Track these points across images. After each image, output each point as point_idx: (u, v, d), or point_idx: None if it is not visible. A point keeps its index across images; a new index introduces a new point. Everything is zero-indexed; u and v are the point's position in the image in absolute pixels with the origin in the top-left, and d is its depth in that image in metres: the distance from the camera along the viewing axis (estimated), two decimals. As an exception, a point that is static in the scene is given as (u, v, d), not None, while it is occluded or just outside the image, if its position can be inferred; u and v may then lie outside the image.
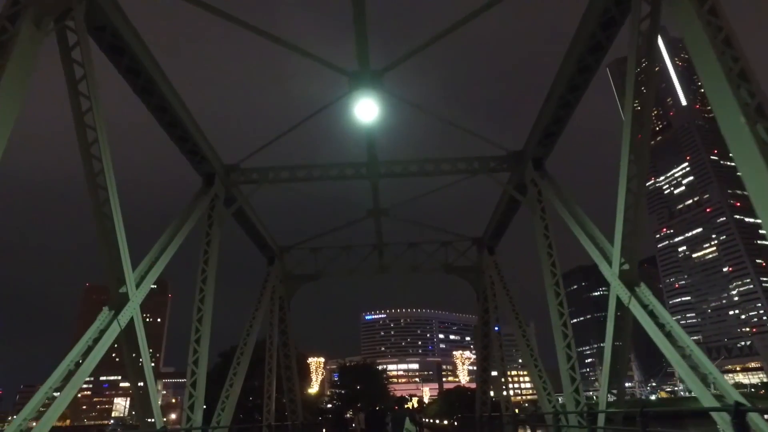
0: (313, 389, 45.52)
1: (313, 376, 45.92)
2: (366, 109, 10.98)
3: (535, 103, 15.16)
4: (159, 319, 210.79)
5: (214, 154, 15.07)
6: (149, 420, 10.89)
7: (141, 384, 10.34)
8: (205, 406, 13.54)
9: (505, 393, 20.62)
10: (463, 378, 59.57)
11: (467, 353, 61.08)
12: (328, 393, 55.14)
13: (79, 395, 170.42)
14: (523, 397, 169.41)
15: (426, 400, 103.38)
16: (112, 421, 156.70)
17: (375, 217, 19.50)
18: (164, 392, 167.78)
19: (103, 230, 9.28)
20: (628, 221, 9.62)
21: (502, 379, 20.29)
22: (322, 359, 47.47)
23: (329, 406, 55.55)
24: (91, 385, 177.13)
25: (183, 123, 12.87)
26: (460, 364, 57.61)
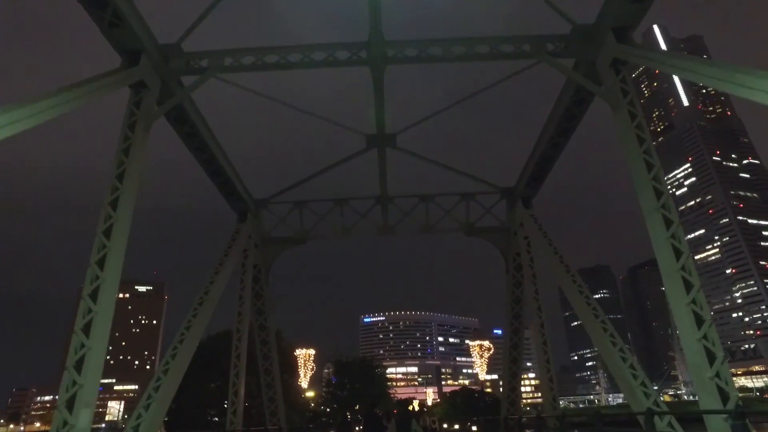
0: (304, 388, 39.87)
1: (301, 371, 40.28)
2: None
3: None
4: (155, 321, 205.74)
5: (136, 17, 9.97)
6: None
7: None
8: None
9: (551, 391, 15.24)
10: (482, 374, 53.62)
11: (486, 342, 54.96)
12: (323, 393, 49.48)
13: None
14: (524, 400, 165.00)
15: (429, 403, 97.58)
16: (104, 425, 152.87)
17: (378, 147, 14.40)
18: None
19: None
20: None
21: (547, 371, 15.04)
22: (312, 351, 41.88)
23: (327, 409, 49.94)
24: None
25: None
26: (478, 356, 51.54)
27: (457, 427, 35.87)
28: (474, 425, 28.84)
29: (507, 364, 19.36)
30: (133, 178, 9.59)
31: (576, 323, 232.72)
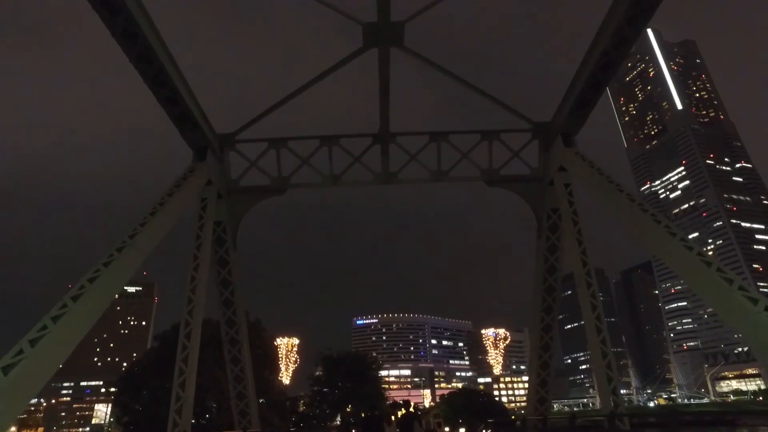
0: (286, 384, 35.05)
1: (282, 365, 35.42)
2: None
3: None
4: (144, 323, 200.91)
5: None
6: None
7: None
8: None
9: (610, 383, 11.01)
10: (497, 368, 48.65)
11: (502, 331, 49.28)
12: (310, 393, 44.87)
13: (53, 401, 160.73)
14: (517, 404, 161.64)
15: (426, 405, 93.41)
16: (88, 429, 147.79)
17: (380, 45, 10.43)
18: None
19: None
20: None
21: (604, 356, 10.92)
22: (295, 340, 36.53)
23: (317, 410, 45.37)
24: (70, 391, 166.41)
25: None
26: (491, 347, 46.13)
27: (462, 431, 31.84)
28: (487, 428, 24.73)
29: (536, 351, 15.35)
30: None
31: (570, 326, 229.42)
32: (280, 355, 32.87)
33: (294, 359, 33.30)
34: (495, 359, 46.63)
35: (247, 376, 15.99)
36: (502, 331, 48.13)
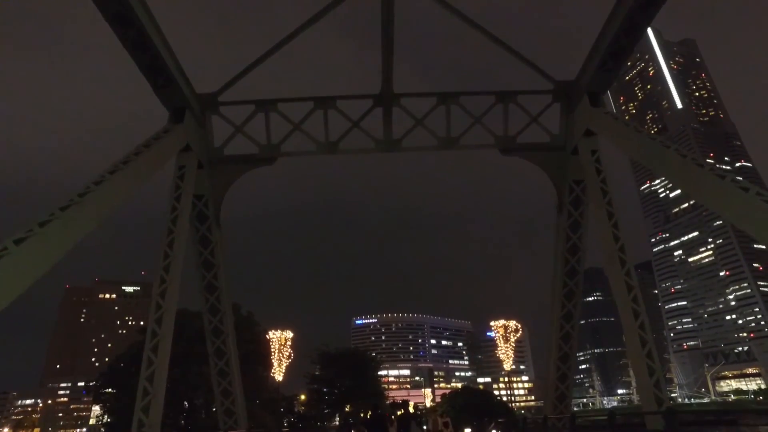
0: (279, 381, 32.98)
1: (275, 361, 33.29)
2: None
3: None
4: (142, 323, 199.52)
5: None
6: None
7: None
8: None
9: (652, 375, 9.26)
10: (508, 362, 45.78)
11: (513, 323, 46.15)
12: (306, 392, 43.12)
13: (50, 401, 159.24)
14: (517, 404, 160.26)
15: (428, 404, 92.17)
16: (85, 430, 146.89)
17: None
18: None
19: None
20: None
21: (643, 344, 9.22)
22: (289, 333, 34.05)
23: (312, 411, 43.61)
24: (68, 391, 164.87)
25: None
26: (501, 340, 43.12)
27: (468, 431, 30.33)
28: (497, 428, 23.13)
29: (556, 342, 13.70)
30: None
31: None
32: (272, 350, 31.05)
33: (288, 354, 31.35)
34: (506, 354, 44.20)
35: (233, 370, 14.30)
36: (513, 323, 45.70)
